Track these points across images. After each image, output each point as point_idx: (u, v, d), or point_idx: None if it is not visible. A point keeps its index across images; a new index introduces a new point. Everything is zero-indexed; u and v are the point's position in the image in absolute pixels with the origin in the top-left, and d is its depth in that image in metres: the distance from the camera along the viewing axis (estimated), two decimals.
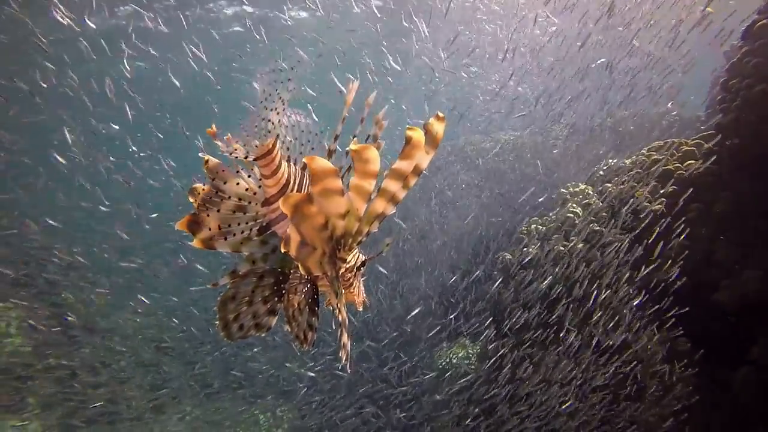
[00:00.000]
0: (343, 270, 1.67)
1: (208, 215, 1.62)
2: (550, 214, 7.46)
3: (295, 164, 1.75)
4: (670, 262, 6.02)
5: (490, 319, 7.00)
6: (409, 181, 1.38)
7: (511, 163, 12.34)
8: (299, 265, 1.50)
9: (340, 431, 8.27)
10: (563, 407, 5.83)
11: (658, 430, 5.65)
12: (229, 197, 1.65)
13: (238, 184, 1.65)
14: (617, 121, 12.20)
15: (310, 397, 9.02)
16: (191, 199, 1.64)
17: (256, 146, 1.57)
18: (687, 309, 5.77)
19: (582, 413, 5.78)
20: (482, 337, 7.20)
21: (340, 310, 1.60)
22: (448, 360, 8.19)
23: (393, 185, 1.37)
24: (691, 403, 5.66)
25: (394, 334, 8.68)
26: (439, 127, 1.36)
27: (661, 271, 5.99)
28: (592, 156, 11.35)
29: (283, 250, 1.43)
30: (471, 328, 7.65)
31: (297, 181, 1.69)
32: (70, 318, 10.04)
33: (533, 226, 7.28)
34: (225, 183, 1.63)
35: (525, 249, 6.96)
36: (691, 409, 5.63)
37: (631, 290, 6.09)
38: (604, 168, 7.61)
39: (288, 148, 1.74)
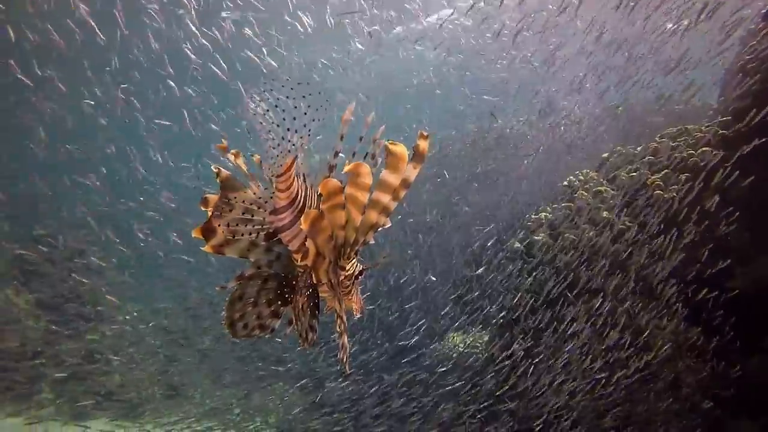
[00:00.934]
0: (342, 278, 1.79)
1: (219, 222, 1.74)
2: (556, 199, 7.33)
3: (301, 178, 1.82)
4: (683, 249, 5.94)
5: (500, 306, 6.97)
6: (399, 193, 1.50)
7: (518, 150, 12.16)
8: (313, 274, 1.67)
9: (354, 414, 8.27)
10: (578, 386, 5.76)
11: (671, 418, 5.62)
12: (237, 204, 1.75)
13: (246, 193, 1.76)
14: (627, 107, 11.97)
15: (325, 379, 9.02)
16: (203, 209, 1.76)
17: (281, 164, 1.67)
18: (701, 296, 5.75)
19: (597, 398, 5.73)
20: (491, 325, 7.16)
21: (340, 316, 1.71)
22: (455, 347, 8.19)
23: (383, 197, 1.50)
24: (704, 390, 5.64)
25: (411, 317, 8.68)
26: (424, 145, 1.48)
27: (674, 259, 5.92)
28: (601, 142, 11.14)
29: (300, 263, 1.63)
30: (479, 316, 7.62)
31: (303, 194, 1.78)
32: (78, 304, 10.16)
33: (542, 214, 7.19)
34: (235, 192, 1.74)
35: (534, 237, 6.89)
36: (704, 396, 5.62)
37: (643, 278, 6.01)
38: (615, 155, 7.48)
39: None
